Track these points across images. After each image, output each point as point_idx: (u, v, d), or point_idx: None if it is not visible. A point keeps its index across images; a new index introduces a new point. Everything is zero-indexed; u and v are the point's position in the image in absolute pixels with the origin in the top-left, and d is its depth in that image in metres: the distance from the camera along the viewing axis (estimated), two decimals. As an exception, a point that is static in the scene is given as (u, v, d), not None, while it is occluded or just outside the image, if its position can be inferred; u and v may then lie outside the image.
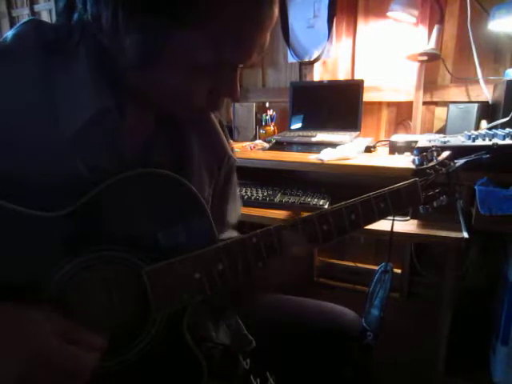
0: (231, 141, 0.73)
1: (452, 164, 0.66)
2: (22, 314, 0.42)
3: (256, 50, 0.48)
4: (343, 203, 0.60)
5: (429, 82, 1.60)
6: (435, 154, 0.66)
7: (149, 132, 0.59)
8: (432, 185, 0.65)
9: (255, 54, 0.48)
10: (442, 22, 1.50)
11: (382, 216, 0.62)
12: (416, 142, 1.29)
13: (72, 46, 0.49)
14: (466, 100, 1.53)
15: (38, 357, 0.41)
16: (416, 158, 0.66)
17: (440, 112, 1.63)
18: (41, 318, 0.43)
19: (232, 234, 0.75)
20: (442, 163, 0.65)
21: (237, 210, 0.77)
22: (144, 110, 0.58)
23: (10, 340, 0.40)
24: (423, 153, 0.65)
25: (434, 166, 0.65)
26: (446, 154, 0.66)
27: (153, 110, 0.59)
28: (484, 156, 0.64)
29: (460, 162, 0.65)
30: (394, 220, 0.67)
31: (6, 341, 0.40)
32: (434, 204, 0.66)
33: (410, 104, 1.64)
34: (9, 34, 0.50)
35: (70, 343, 0.43)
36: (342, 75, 1.81)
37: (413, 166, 0.66)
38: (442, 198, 0.66)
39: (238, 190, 0.78)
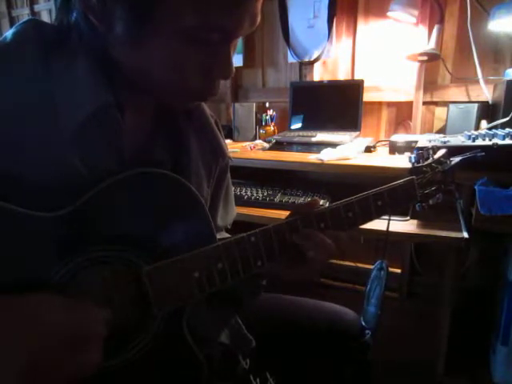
0: (229, 140, 0.73)
1: (448, 162, 0.66)
2: (23, 299, 0.42)
3: (246, 19, 0.46)
4: (340, 201, 0.60)
5: (429, 82, 1.61)
6: (431, 152, 0.66)
7: (148, 131, 0.59)
8: (428, 183, 0.65)
9: (246, 23, 0.47)
10: (442, 21, 1.50)
11: (379, 214, 0.62)
12: (416, 141, 1.29)
13: (71, 45, 0.49)
14: (466, 100, 1.53)
15: (47, 336, 0.40)
16: (412, 156, 0.66)
17: (440, 112, 1.63)
18: (44, 297, 0.43)
19: (223, 235, 0.75)
20: (438, 161, 0.65)
21: (228, 214, 0.77)
22: (143, 109, 0.58)
23: (14, 326, 0.40)
24: (419, 151, 0.65)
25: (430, 164, 0.65)
26: (441, 152, 0.66)
27: (152, 107, 0.58)
28: (479, 154, 0.64)
29: (456, 159, 0.65)
30: (390, 219, 0.67)
31: (10, 328, 0.40)
32: (430, 202, 0.66)
33: (410, 104, 1.64)
34: (8, 33, 0.50)
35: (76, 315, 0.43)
36: (342, 75, 1.81)
37: (410, 165, 0.67)
38: (438, 195, 0.66)
39: (232, 193, 0.77)
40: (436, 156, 0.66)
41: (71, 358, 0.42)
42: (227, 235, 0.77)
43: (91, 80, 0.49)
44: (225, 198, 0.75)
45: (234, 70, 0.51)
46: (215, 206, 0.72)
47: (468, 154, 0.64)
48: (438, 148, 0.67)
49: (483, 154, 0.63)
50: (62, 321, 0.42)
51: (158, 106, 0.59)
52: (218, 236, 0.73)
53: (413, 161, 0.66)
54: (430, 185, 0.65)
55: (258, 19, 0.49)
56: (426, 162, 0.65)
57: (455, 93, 1.57)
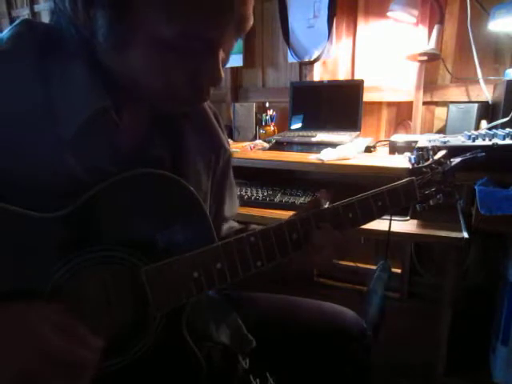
0: (229, 139, 0.73)
1: (448, 163, 0.66)
2: (21, 311, 0.42)
3: (231, 26, 0.45)
4: (341, 202, 0.60)
5: (429, 82, 1.60)
6: (431, 152, 0.66)
7: (145, 130, 0.59)
8: (428, 183, 0.65)
9: (231, 30, 0.45)
10: (442, 22, 1.50)
11: (380, 214, 0.62)
12: (416, 142, 1.29)
13: (66, 48, 0.49)
14: (466, 100, 1.53)
15: (38, 353, 0.40)
16: (412, 156, 0.66)
17: (440, 112, 1.63)
18: (40, 314, 0.43)
19: (232, 224, 0.77)
20: (438, 162, 0.65)
21: (234, 205, 0.77)
22: (139, 109, 0.57)
23: (9, 337, 0.40)
24: (419, 152, 0.65)
25: (430, 164, 0.65)
26: (442, 152, 0.66)
27: (148, 106, 0.58)
28: (479, 154, 0.63)
29: (456, 160, 0.65)
30: (391, 219, 0.67)
31: (5, 338, 0.40)
32: (431, 202, 0.66)
33: (410, 104, 1.64)
34: (3, 35, 0.49)
35: (69, 339, 0.43)
36: (342, 75, 1.81)
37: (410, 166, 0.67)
38: (438, 196, 0.66)
39: (234, 184, 0.78)
40: (436, 157, 0.66)
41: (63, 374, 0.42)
42: (236, 224, 0.78)
43: (88, 83, 0.49)
44: (229, 189, 0.75)
45: (222, 76, 0.50)
46: (222, 197, 0.73)
47: (468, 155, 0.64)
48: (439, 148, 0.67)
49: (483, 154, 0.63)
50: (54, 347, 0.42)
51: (154, 105, 0.59)
52: (227, 225, 0.75)
53: (412, 161, 0.66)
54: (429, 185, 0.65)
55: (249, 24, 0.47)
56: (425, 163, 0.65)
57: (455, 93, 1.56)
